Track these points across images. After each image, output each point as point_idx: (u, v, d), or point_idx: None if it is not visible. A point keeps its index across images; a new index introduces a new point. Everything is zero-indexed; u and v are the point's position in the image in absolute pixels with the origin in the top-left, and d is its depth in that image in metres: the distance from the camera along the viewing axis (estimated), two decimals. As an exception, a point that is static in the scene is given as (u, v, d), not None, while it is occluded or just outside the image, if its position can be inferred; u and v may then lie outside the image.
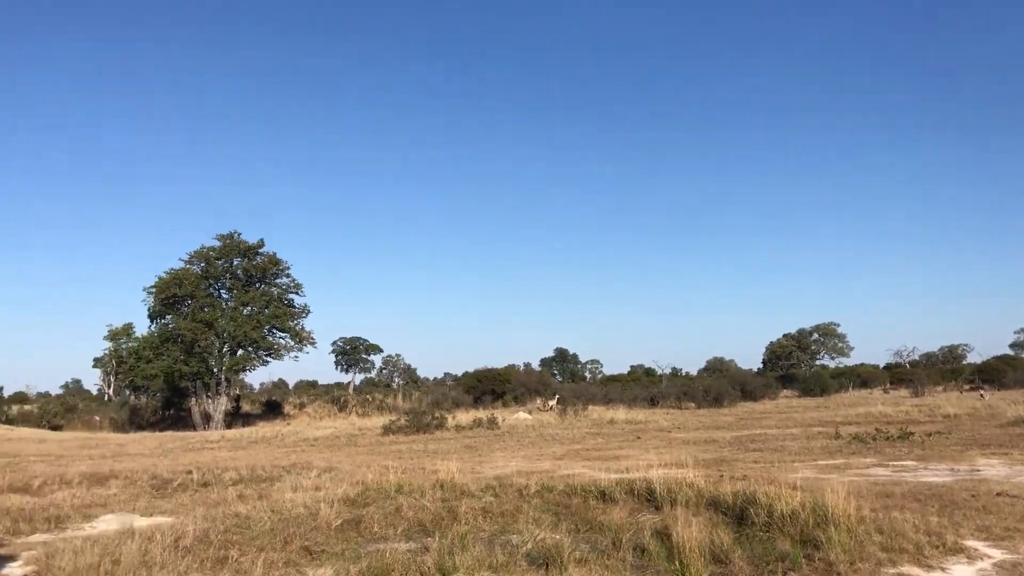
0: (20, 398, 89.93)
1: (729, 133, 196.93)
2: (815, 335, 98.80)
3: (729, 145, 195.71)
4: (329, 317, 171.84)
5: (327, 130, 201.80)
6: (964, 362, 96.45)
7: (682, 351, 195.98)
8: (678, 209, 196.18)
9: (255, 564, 9.06)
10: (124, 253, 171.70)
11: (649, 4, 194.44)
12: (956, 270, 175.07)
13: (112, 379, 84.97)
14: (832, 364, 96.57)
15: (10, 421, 57.75)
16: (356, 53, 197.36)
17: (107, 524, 12.60)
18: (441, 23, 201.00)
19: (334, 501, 12.59)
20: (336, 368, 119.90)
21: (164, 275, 54.97)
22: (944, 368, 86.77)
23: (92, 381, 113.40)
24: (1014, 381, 64.77)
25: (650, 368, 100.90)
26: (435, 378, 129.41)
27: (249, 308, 55.27)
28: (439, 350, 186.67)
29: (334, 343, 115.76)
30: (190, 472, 19.03)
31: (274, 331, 56.17)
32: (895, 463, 18.53)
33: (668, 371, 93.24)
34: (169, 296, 53.80)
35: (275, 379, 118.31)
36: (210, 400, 54.24)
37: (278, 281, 57.26)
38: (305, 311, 58.09)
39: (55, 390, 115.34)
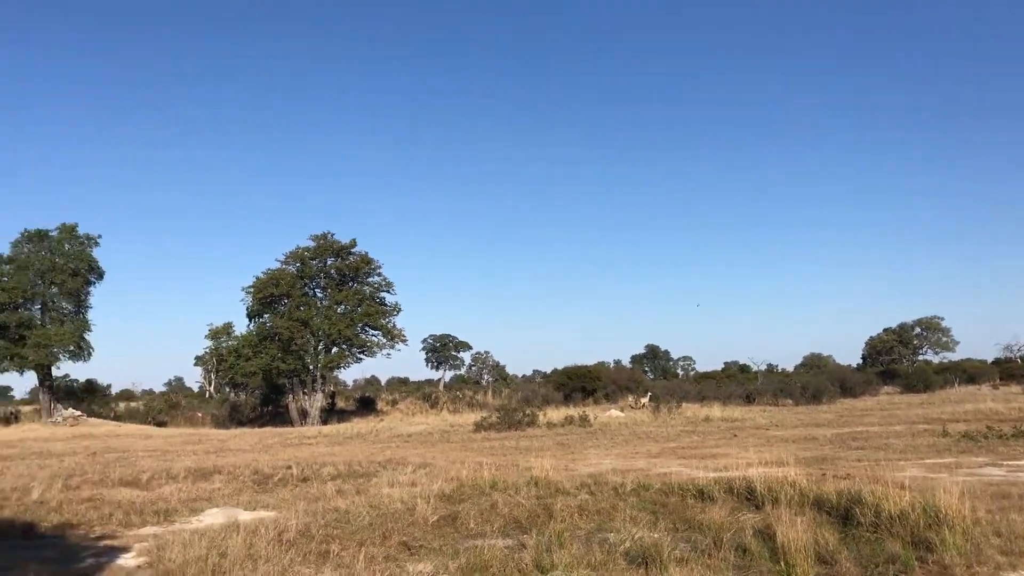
0: (127, 395, 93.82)
1: (822, 123, 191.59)
2: (917, 329, 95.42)
3: (826, 135, 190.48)
4: (420, 315, 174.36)
5: (417, 132, 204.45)
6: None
7: (777, 347, 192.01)
8: (769, 202, 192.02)
9: (356, 559, 9.16)
10: (224, 255, 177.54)
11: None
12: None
13: (213, 376, 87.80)
14: (935, 359, 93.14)
15: (118, 418, 60.23)
16: (455, 60, 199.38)
17: (212, 518, 12.95)
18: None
19: (430, 497, 12.69)
20: (427, 365, 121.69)
21: (261, 275, 56.59)
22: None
23: (194, 379, 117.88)
24: None
25: (745, 365, 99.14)
26: (524, 375, 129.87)
27: (342, 307, 56.37)
28: (528, 347, 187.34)
29: (424, 340, 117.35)
30: (290, 467, 19.45)
31: (367, 329, 57.11)
32: (1010, 462, 17.70)
33: (763, 367, 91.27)
34: (266, 296, 55.31)
35: (368, 376, 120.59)
36: (306, 397, 55.52)
37: (370, 280, 58.22)
38: (396, 309, 58.94)
39: (159, 387, 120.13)
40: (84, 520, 13.03)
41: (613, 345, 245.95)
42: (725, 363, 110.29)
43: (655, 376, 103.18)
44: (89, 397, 63.48)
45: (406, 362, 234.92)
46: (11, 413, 57.77)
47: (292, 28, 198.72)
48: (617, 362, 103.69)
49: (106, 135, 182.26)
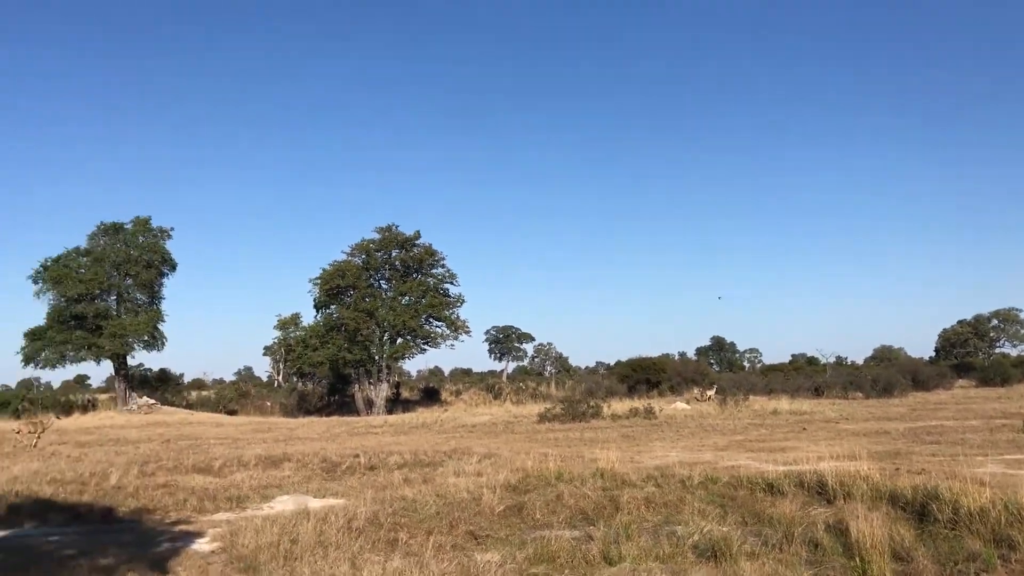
0: (198, 384, 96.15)
1: (906, 113, 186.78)
2: (994, 321, 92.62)
3: (902, 125, 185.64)
4: (483, 306, 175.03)
5: (477, 127, 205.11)
6: None
7: (846, 339, 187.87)
8: (838, 192, 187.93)
9: (424, 547, 9.24)
10: (292, 247, 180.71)
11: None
12: None
13: (281, 366, 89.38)
14: (1013, 352, 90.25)
15: (190, 406, 61.83)
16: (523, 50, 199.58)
17: (283, 504, 13.20)
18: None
19: (496, 487, 12.72)
20: (489, 356, 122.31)
21: (328, 267, 57.47)
22: None
23: (262, 368, 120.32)
24: None
25: (813, 357, 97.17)
26: (587, 367, 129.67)
27: (407, 298, 56.88)
28: (590, 339, 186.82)
29: (487, 332, 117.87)
30: (357, 456, 19.70)
31: (430, 320, 57.57)
32: (1094, 459, 17.05)
33: (832, 360, 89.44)
34: (333, 287, 56.16)
35: (431, 367, 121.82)
36: (372, 387, 56.24)
37: (434, 271, 58.61)
38: (460, 300, 59.24)
39: (229, 377, 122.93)
40: (160, 505, 13.40)
41: (678, 337, 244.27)
42: (792, 355, 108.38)
43: (721, 368, 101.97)
44: (162, 386, 65.24)
45: (469, 353, 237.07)
46: (88, 401, 59.67)
47: (353, 27, 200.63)
48: (682, 354, 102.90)
49: (179, 131, 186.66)
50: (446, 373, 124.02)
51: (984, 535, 8.97)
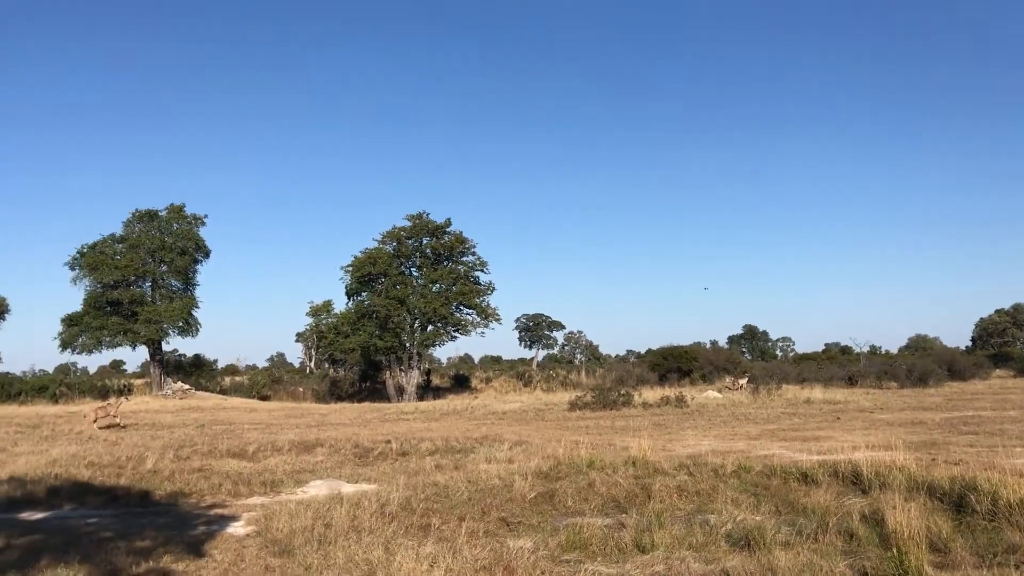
0: (231, 370, 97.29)
1: (938, 101, 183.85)
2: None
3: (935, 112, 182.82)
4: (513, 294, 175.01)
5: (508, 118, 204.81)
6: None
7: (880, 328, 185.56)
8: (871, 179, 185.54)
9: (457, 533, 9.27)
10: (324, 234, 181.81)
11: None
12: None
13: (313, 353, 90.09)
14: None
15: (223, 391, 62.45)
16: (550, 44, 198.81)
17: (316, 489, 13.30)
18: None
19: (527, 474, 12.74)
20: (520, 344, 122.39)
21: (360, 255, 57.70)
22: None
23: (295, 354, 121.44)
24: None
25: (846, 346, 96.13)
26: (617, 355, 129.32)
27: (438, 285, 57.00)
28: (621, 327, 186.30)
29: (518, 319, 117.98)
30: (389, 442, 19.81)
31: (461, 307, 57.64)
32: None
33: (866, 349, 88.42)
34: (364, 274, 56.42)
35: (462, 354, 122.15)
36: (403, 373, 56.50)
37: (464, 259, 58.63)
38: (490, 288, 59.21)
39: (262, 363, 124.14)
40: (195, 489, 13.56)
41: (709, 326, 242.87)
42: (826, 344, 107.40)
43: (753, 357, 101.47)
44: (196, 371, 65.97)
45: (499, 341, 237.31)
46: (124, 386, 60.50)
47: (388, 16, 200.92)
48: (714, 343, 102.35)
49: (214, 122, 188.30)
50: (476, 360, 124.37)
51: (1024, 527, 8.84)
